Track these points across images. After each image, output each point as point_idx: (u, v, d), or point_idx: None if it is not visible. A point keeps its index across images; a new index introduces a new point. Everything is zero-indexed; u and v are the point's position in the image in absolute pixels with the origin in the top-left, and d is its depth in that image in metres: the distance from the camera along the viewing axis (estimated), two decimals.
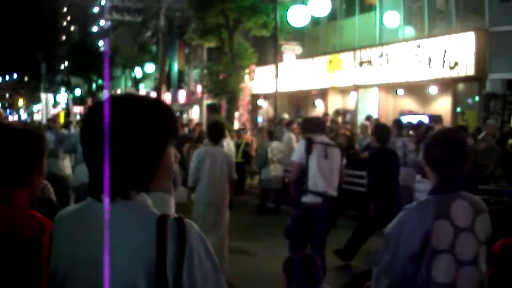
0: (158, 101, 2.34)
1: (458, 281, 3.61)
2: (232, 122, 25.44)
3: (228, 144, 17.37)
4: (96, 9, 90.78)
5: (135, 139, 2.18)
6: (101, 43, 67.05)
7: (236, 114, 26.74)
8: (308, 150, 9.16)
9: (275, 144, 17.73)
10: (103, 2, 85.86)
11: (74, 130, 21.66)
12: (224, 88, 25.54)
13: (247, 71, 26.17)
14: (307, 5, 23.09)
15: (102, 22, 75.88)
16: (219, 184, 9.54)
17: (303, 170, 9.18)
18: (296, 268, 5.33)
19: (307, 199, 9.22)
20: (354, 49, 24.01)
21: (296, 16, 23.16)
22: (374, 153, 11.32)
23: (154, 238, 2.11)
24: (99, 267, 2.11)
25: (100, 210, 2.19)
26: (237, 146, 19.79)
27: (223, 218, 9.57)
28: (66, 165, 13.72)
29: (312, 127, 9.53)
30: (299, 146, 9.64)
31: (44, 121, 36.31)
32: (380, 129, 11.39)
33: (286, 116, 22.97)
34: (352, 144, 17.61)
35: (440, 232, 3.58)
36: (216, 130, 10.06)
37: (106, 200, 2.18)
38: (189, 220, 2.21)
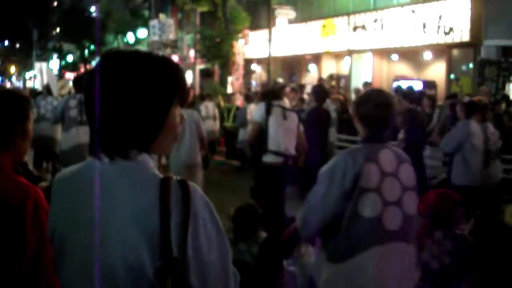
0: (165, 58, 2.21)
1: (382, 217, 4.08)
2: (225, 87, 25.33)
3: (206, 107, 18.17)
4: None
5: (138, 95, 2.08)
6: (93, 8, 66.72)
7: (230, 79, 26.60)
8: (268, 112, 9.34)
9: (253, 106, 17.30)
10: None
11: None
12: (217, 53, 25.37)
13: (240, 35, 25.90)
14: None
15: None
16: (189, 144, 9.84)
17: (263, 130, 9.35)
18: (242, 216, 6.03)
19: (268, 159, 9.32)
20: (348, 13, 23.80)
21: None
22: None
23: (157, 202, 2.01)
24: (98, 230, 2.04)
25: (100, 170, 2.11)
26: (228, 110, 19.80)
27: (196, 177, 9.72)
28: (58, 129, 13.51)
29: (271, 94, 9.75)
30: (258, 107, 9.74)
31: (39, 88, 36.17)
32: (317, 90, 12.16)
33: (280, 80, 22.87)
34: (346, 109, 17.47)
35: (369, 174, 4.09)
36: None
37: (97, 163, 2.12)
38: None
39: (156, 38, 33.85)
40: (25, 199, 2.87)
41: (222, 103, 20.97)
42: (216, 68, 28.78)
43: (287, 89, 19.49)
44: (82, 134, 10.36)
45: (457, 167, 9.32)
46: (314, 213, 4.19)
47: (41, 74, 34.21)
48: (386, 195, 4.12)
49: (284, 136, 9.34)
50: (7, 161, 2.99)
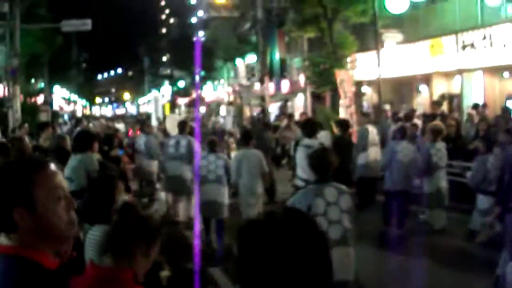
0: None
1: (329, 232, 6.36)
2: (337, 112, 25.52)
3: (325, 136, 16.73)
4: (193, 1, 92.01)
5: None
6: (200, 33, 68.22)
7: (341, 101, 26.61)
8: None
9: (371, 127, 16.96)
10: None
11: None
12: (327, 79, 25.58)
13: (349, 60, 26.02)
14: None
15: (200, 13, 76.99)
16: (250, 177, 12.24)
17: None
18: None
19: None
20: (455, 32, 23.42)
21: (394, 2, 22.91)
22: None
23: None
24: None
25: None
26: None
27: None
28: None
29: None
30: None
31: (153, 115, 37.49)
32: None
33: (387, 107, 22.90)
34: (459, 134, 17.26)
35: (317, 204, 6.55)
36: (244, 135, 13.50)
37: None
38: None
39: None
40: None
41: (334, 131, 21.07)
42: (327, 94, 29.01)
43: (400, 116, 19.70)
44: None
45: None
46: None
47: (156, 102, 35.21)
48: (330, 217, 6.57)
49: None
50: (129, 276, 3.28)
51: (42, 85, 47.36)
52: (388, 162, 13.30)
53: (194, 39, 61.62)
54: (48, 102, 51.62)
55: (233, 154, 14.05)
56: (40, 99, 47.52)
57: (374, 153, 16.28)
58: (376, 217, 13.69)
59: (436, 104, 20.95)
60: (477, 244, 11.63)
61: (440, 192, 13.11)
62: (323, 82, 26.35)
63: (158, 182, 18.22)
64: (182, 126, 15.53)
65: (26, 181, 2.63)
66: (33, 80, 41.09)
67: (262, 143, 16.16)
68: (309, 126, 12.95)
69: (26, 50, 33.18)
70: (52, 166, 2.77)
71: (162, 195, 17.41)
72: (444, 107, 24.35)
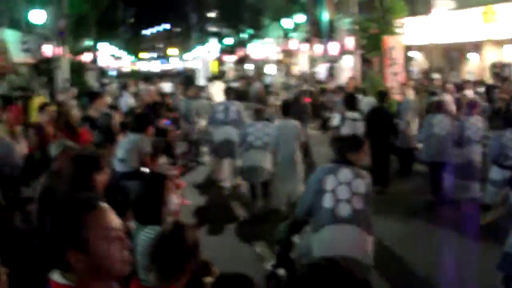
0: None
1: (336, 208, 6.80)
2: (384, 78, 25.19)
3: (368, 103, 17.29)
4: None
5: None
6: None
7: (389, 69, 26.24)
8: None
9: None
10: None
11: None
12: (376, 44, 25.18)
13: (398, 25, 25.49)
14: None
15: None
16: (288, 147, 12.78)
17: None
18: None
19: None
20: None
21: None
22: None
23: None
24: None
25: None
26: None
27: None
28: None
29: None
30: None
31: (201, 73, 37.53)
32: None
33: (437, 76, 22.47)
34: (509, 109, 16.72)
35: (328, 181, 6.91)
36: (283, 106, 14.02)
37: None
38: None
39: None
40: None
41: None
42: (376, 58, 28.48)
43: (449, 85, 19.34)
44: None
45: None
46: (301, 204, 7.27)
47: (203, 61, 35.17)
48: (339, 195, 6.85)
49: None
50: None
51: (89, 43, 47.55)
52: (425, 135, 14.08)
53: None
54: (95, 60, 52.03)
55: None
56: (87, 57, 47.83)
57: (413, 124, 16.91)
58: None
59: (495, 75, 20.57)
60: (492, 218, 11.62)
61: (470, 165, 13.25)
62: (372, 47, 25.93)
63: (203, 145, 18.79)
64: (228, 92, 16.66)
65: (77, 224, 2.67)
66: (80, 39, 41.18)
67: (299, 109, 17.08)
68: (350, 100, 14.55)
69: (73, 10, 33.26)
70: (104, 206, 2.79)
71: (206, 158, 18.31)
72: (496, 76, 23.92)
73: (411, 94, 18.85)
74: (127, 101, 20.39)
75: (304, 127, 15.51)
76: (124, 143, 9.27)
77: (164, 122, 14.86)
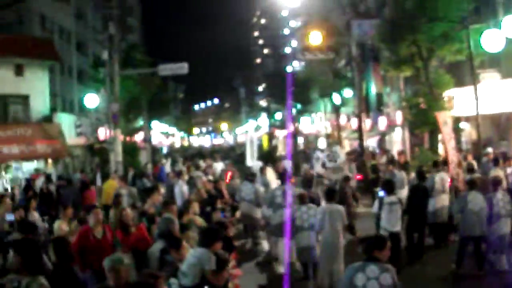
0: None
1: None
2: (436, 152, 25.16)
3: (442, 179, 17.93)
4: (286, 31, 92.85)
5: None
6: (294, 64, 68.69)
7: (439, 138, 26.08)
8: None
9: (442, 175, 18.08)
10: (290, 24, 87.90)
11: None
12: (424, 120, 25.26)
13: (445, 98, 25.53)
14: (500, 28, 22.05)
15: (294, 44, 77.50)
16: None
17: None
18: None
19: None
20: None
21: (490, 41, 22.18)
22: None
23: None
24: None
25: None
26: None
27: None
28: None
29: None
30: None
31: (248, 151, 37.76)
32: None
33: (490, 150, 22.39)
34: None
35: (358, 278, 7.68)
36: (328, 192, 14.60)
37: None
38: None
39: None
40: None
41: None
42: (426, 135, 28.57)
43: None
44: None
45: None
46: None
47: (251, 142, 35.65)
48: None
49: None
50: None
51: (141, 122, 48.50)
52: (461, 211, 14.79)
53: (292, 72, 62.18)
54: (147, 139, 52.88)
55: None
56: (139, 136, 48.74)
57: (441, 200, 17.63)
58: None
59: None
60: None
61: (503, 239, 14.11)
62: (421, 123, 26.02)
63: (260, 228, 19.36)
64: (284, 177, 17.85)
65: None
66: (132, 120, 42.06)
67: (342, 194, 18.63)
68: (388, 185, 15.42)
69: (125, 93, 34.14)
70: None
71: (264, 242, 18.82)
72: None
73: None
74: (182, 190, 20.75)
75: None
76: (189, 257, 9.21)
77: (219, 215, 15.25)
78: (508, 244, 14.08)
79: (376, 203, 16.47)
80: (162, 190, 20.38)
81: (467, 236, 14.57)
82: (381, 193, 15.96)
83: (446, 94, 25.51)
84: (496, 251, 14.19)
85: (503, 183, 16.98)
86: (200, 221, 13.73)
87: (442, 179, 17.88)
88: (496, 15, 26.01)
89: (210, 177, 23.88)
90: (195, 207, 14.51)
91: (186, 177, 22.89)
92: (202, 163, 33.86)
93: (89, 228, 11.44)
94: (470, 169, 18.94)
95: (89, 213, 11.66)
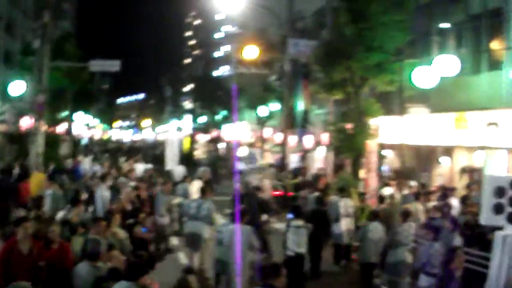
0: None
1: None
2: (357, 178, 25.45)
3: (346, 204, 19.93)
4: (219, 35, 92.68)
5: None
6: (223, 69, 68.63)
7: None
8: None
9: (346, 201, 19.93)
10: (224, 29, 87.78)
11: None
12: (350, 146, 25.57)
13: (372, 127, 25.92)
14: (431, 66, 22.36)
15: (226, 48, 77.39)
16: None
17: None
18: None
19: None
20: (481, 108, 23.28)
21: (421, 77, 22.47)
22: None
23: None
24: None
25: None
26: (362, 210, 20.07)
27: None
28: None
29: None
30: None
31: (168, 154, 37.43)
32: None
33: (413, 183, 22.88)
34: (477, 223, 17.08)
35: None
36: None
37: None
38: None
39: None
40: None
41: (357, 202, 21.12)
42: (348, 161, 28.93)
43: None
44: None
45: None
46: None
47: (171, 145, 35.23)
48: None
49: None
50: None
51: (65, 113, 47.62)
52: (361, 239, 16.86)
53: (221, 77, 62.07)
54: (69, 131, 51.92)
55: None
56: (62, 127, 47.84)
57: (346, 223, 19.49)
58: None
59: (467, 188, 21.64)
60: None
61: (401, 264, 15.26)
62: (346, 149, 26.35)
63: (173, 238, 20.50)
64: (204, 190, 18.28)
65: None
66: (56, 110, 41.27)
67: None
68: (297, 210, 16.76)
69: (52, 83, 33.36)
70: None
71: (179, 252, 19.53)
72: (464, 181, 24.38)
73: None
74: (103, 195, 20.17)
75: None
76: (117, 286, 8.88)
77: (140, 230, 15.02)
78: (403, 272, 15.20)
79: (283, 225, 17.82)
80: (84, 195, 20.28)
81: (365, 263, 16.65)
82: (289, 215, 16.86)
83: (374, 122, 25.84)
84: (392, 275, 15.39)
85: (420, 216, 18.60)
86: (122, 234, 13.55)
87: (346, 204, 19.72)
88: (430, 52, 26.66)
89: (132, 183, 23.31)
90: (117, 218, 14.38)
91: (109, 182, 22.23)
92: (123, 163, 33.54)
93: (16, 241, 10.97)
94: (380, 200, 21.03)
95: (18, 226, 11.19)
